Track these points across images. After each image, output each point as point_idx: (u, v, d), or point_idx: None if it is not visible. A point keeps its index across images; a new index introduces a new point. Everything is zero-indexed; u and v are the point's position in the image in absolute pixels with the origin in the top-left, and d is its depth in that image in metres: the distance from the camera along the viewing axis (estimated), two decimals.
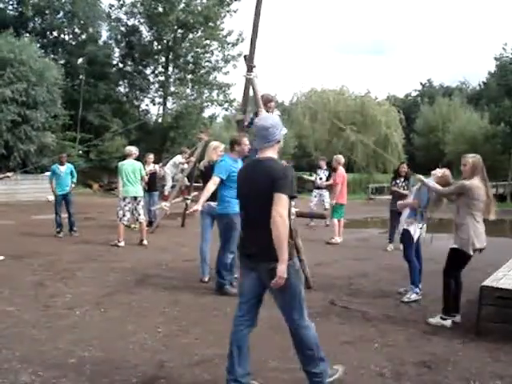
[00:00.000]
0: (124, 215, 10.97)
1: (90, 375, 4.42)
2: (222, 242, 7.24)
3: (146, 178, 11.82)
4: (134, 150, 11.45)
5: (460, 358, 5.04)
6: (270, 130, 3.94)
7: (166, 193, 14.51)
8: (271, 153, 3.97)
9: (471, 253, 5.99)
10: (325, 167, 15.75)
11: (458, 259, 6.09)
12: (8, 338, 5.23)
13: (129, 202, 10.97)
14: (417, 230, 7.16)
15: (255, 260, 3.92)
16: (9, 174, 11.07)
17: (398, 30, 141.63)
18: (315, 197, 15.51)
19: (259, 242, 3.84)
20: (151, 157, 13.90)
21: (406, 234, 7.16)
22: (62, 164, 12.49)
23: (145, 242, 11.17)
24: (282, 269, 3.67)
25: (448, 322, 6.03)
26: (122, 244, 10.92)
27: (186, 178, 14.06)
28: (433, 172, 6.87)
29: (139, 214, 11.15)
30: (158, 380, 4.36)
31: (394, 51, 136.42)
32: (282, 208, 3.71)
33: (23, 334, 5.37)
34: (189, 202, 13.22)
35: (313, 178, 16.31)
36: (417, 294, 7.12)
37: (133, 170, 10.96)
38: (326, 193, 15.51)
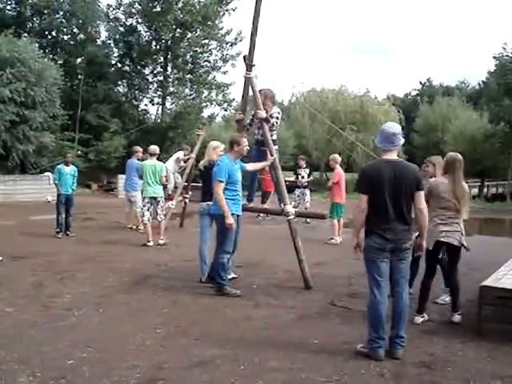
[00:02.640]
0: (143, 215, 11.10)
1: (88, 376, 4.39)
2: (219, 243, 7.21)
3: (165, 179, 11.76)
4: (158, 150, 11.55)
5: (460, 358, 5.03)
6: (397, 135, 5.00)
7: (170, 192, 14.45)
8: (395, 155, 5.05)
9: (429, 247, 5.86)
10: (304, 166, 16.31)
11: (429, 257, 6.13)
12: (6, 339, 5.21)
13: (148, 202, 11.04)
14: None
15: (397, 243, 4.91)
16: None
17: (400, 31, 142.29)
18: (298, 196, 16.00)
19: (403, 230, 4.93)
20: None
21: None
22: (67, 164, 12.50)
23: (161, 241, 11.14)
24: (424, 243, 5.26)
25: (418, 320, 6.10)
26: (151, 244, 10.91)
27: (179, 176, 14.26)
28: None
29: (157, 214, 11.15)
30: (157, 381, 4.33)
31: (396, 51, 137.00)
32: (424, 201, 5.07)
33: (22, 335, 5.35)
34: (187, 201, 13.24)
35: (292, 178, 16.76)
36: None
37: (153, 171, 11.01)
38: (307, 191, 15.97)
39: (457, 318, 6.16)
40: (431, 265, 6.21)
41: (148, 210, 11.09)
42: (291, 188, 16.02)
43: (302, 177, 16.07)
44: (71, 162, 12.78)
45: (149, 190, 11.02)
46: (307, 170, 16.23)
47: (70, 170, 12.41)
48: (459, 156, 6.15)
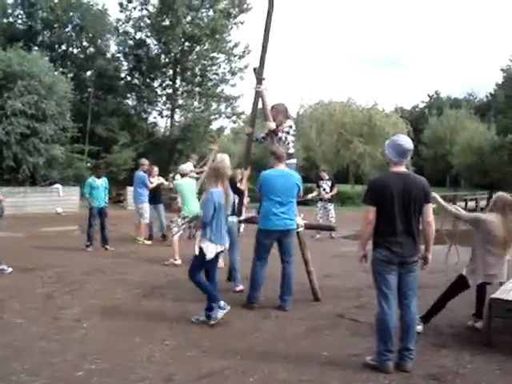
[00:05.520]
0: (178, 231, 10.55)
1: None
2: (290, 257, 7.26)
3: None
4: (190, 167, 11.52)
5: (469, 370, 5.01)
6: (411, 151, 5.16)
7: (180, 204, 14.31)
8: (404, 167, 5.10)
9: (471, 284, 6.20)
10: (327, 177, 15.54)
11: (459, 285, 6.28)
12: (17, 350, 5.25)
13: (188, 221, 10.22)
14: (212, 248, 6.47)
15: (404, 257, 4.92)
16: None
17: (407, 44, 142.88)
18: (320, 209, 15.37)
19: (412, 242, 4.94)
20: (156, 170, 13.97)
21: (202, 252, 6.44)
22: (98, 177, 12.44)
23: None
24: (430, 256, 5.12)
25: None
26: (179, 262, 10.39)
27: None
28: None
29: (196, 231, 10.70)
30: None
31: (404, 64, 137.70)
32: (432, 214, 5.05)
33: (32, 346, 5.38)
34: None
35: (315, 193, 15.66)
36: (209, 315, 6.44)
37: (192, 189, 10.64)
38: (330, 206, 15.35)
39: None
40: (458, 291, 6.32)
41: (184, 228, 10.60)
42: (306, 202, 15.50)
43: (324, 189, 15.32)
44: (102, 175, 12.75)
45: (193, 209, 10.00)
46: (329, 183, 15.45)
47: (101, 183, 12.40)
48: (509, 197, 6.25)
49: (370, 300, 6.99)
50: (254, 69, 8.15)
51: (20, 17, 31.77)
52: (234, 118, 35.34)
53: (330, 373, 4.84)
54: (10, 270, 9.23)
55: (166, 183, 14.15)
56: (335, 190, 15.68)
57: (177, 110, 34.82)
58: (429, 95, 74.32)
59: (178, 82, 34.44)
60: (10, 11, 31.52)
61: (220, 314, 6.33)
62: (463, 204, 29.90)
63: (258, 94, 8.07)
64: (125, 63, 34.97)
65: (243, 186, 8.18)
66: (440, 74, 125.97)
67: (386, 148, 5.16)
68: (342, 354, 5.36)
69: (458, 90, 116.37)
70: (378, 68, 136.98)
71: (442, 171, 51.71)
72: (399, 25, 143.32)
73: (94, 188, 12.22)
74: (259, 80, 8.02)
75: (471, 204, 30.51)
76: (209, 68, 34.16)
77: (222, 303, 6.35)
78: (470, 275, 6.18)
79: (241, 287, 7.98)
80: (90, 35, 32.39)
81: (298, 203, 7.95)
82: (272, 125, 7.77)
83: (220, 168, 6.59)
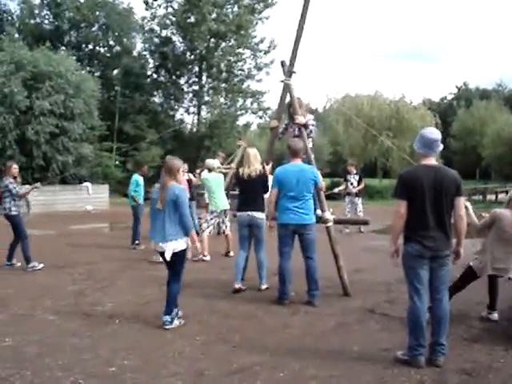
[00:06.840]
0: (208, 227, 10.54)
1: (130, 383, 4.46)
2: (311, 254, 7.20)
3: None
4: (217, 163, 11.55)
5: (502, 365, 4.95)
6: (438, 141, 4.98)
7: (207, 201, 14.36)
8: (434, 161, 4.98)
9: (479, 275, 6.29)
10: (354, 172, 15.50)
11: (468, 276, 6.37)
12: (50, 347, 5.32)
13: (216, 216, 10.46)
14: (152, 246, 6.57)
15: (437, 251, 4.84)
16: (37, 184, 10.45)
17: (434, 36, 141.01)
18: (348, 204, 15.26)
19: (444, 236, 4.84)
20: (185, 167, 13.98)
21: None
22: (142, 175, 12.51)
23: (231, 253, 10.65)
24: (461, 250, 5.00)
25: None
26: (207, 258, 10.43)
27: None
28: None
29: (226, 226, 10.65)
30: None
31: (432, 56, 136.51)
32: (464, 207, 5.00)
33: (64, 343, 5.45)
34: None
35: (343, 187, 15.65)
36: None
37: (219, 184, 10.60)
38: (358, 200, 15.24)
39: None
40: (465, 283, 6.42)
41: (213, 223, 10.53)
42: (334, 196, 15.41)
43: (352, 183, 15.26)
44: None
45: (220, 204, 10.43)
46: (357, 177, 15.38)
47: (143, 181, 12.51)
48: None
49: (401, 294, 6.96)
50: (282, 62, 8.06)
51: (47, 17, 32.21)
52: (260, 113, 35.24)
53: (361, 368, 4.82)
54: (41, 265, 9.36)
55: (194, 179, 14.15)
56: (362, 185, 15.54)
57: (203, 106, 34.89)
58: (457, 86, 73.56)
59: (203, 78, 34.52)
60: (36, 12, 31.97)
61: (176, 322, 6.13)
62: (493, 197, 29.49)
63: (287, 88, 7.98)
64: (151, 61, 35.22)
65: None
66: (468, 64, 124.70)
67: (414, 144, 5.10)
68: (373, 349, 5.33)
69: (487, 81, 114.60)
70: (405, 61, 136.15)
71: (471, 163, 51.08)
72: (424, 17, 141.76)
73: (139, 185, 12.28)
74: (289, 73, 7.92)
75: (502, 196, 30.02)
76: (234, 64, 34.17)
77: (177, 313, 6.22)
78: (478, 266, 6.24)
79: (265, 286, 7.89)
80: (116, 34, 32.68)
81: (326, 198, 7.90)
82: (301, 119, 7.72)
83: (166, 163, 6.26)
